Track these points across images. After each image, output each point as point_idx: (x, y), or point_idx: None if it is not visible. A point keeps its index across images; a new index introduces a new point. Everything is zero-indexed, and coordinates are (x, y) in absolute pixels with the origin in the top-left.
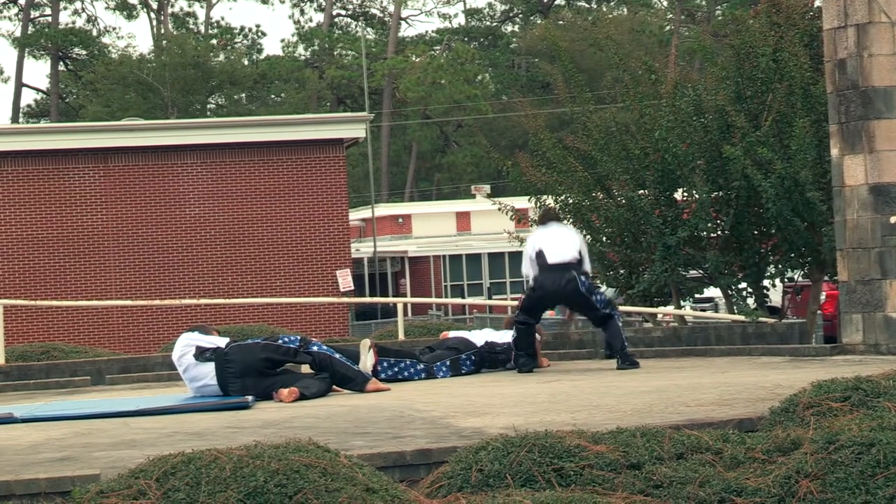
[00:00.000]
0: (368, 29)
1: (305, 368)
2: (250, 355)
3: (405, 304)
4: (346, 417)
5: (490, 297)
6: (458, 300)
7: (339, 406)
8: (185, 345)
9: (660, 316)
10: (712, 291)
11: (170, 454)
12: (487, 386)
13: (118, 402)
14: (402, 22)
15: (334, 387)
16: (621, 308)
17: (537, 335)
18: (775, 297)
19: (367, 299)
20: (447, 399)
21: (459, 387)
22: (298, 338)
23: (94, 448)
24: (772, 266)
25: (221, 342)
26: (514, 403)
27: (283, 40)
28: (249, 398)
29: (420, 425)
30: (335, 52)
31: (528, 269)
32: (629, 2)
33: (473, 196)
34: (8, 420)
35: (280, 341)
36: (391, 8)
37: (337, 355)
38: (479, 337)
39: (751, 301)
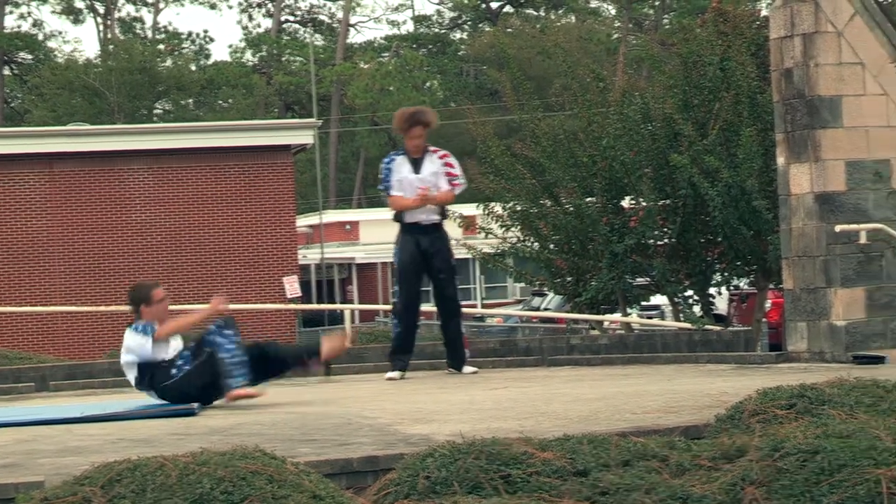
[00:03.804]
0: (317, 35)
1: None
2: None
3: (352, 311)
4: (292, 424)
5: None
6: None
7: (285, 413)
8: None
9: (606, 323)
10: (659, 299)
11: (115, 461)
12: (434, 393)
13: (63, 408)
14: (351, 28)
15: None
16: (569, 315)
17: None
18: (721, 304)
19: (315, 306)
20: (394, 406)
21: (406, 394)
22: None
23: (38, 455)
24: (718, 274)
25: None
26: (462, 410)
27: (230, 46)
28: (195, 405)
29: (367, 432)
30: (283, 58)
31: None
32: (577, 10)
33: None
34: None
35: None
36: (340, 14)
37: (226, 355)
38: None
39: (697, 309)
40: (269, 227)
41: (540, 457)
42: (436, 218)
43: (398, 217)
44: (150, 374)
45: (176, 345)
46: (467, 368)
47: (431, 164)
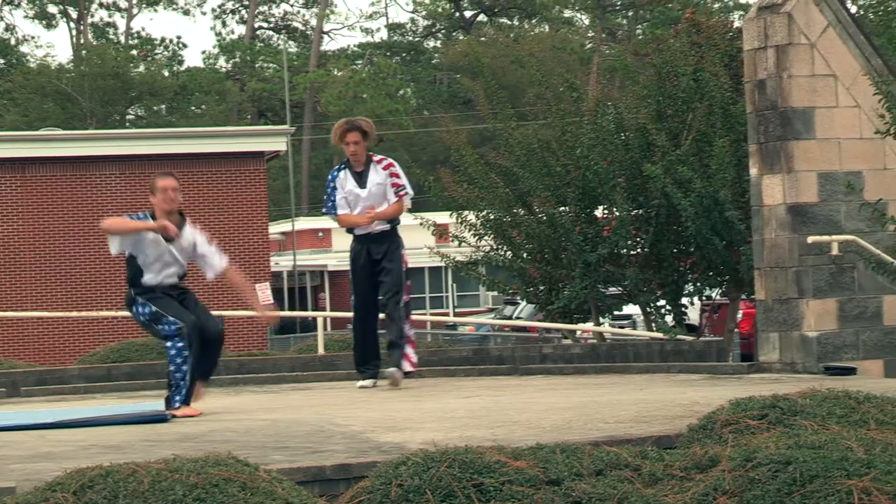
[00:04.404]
0: (290, 42)
1: None
2: None
3: (325, 319)
4: (265, 432)
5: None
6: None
7: (258, 420)
8: None
9: (579, 332)
10: (631, 309)
11: (87, 467)
12: (407, 401)
13: (34, 414)
14: (325, 36)
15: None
16: (541, 324)
17: None
18: (693, 314)
19: (287, 313)
20: (367, 413)
21: (379, 401)
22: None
23: (9, 461)
24: (690, 284)
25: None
26: (435, 419)
27: (204, 52)
28: (168, 412)
29: (340, 440)
30: (257, 65)
31: None
32: (551, 19)
33: None
34: None
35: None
36: (313, 21)
37: (172, 367)
38: None
39: (669, 319)
40: (242, 234)
41: (513, 465)
42: (386, 227)
43: (350, 229)
44: (129, 267)
45: (168, 272)
46: (390, 370)
47: (376, 175)
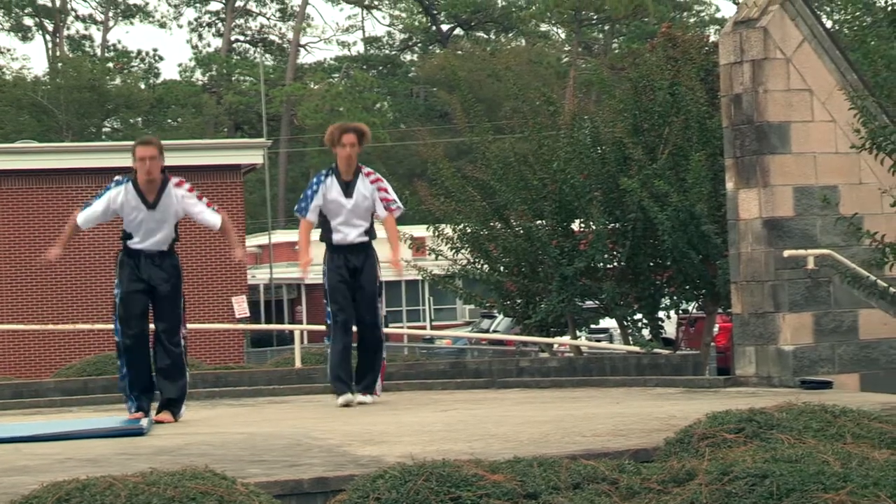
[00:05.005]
0: (267, 55)
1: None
2: None
3: (302, 332)
4: (242, 445)
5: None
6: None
7: (235, 433)
8: None
9: (556, 346)
10: (608, 322)
11: (64, 480)
12: (384, 414)
13: (10, 427)
14: (301, 49)
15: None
16: (518, 337)
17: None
18: (670, 328)
19: (263, 326)
20: (344, 427)
21: (355, 415)
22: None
23: None
24: (667, 298)
25: None
26: (412, 432)
27: (180, 65)
28: (144, 423)
29: (317, 453)
30: (233, 78)
31: None
32: (527, 33)
33: None
34: None
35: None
36: (290, 35)
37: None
38: None
39: (646, 332)
40: (219, 247)
41: (490, 479)
42: (365, 238)
43: (325, 237)
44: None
45: (154, 239)
46: (361, 397)
47: (364, 188)
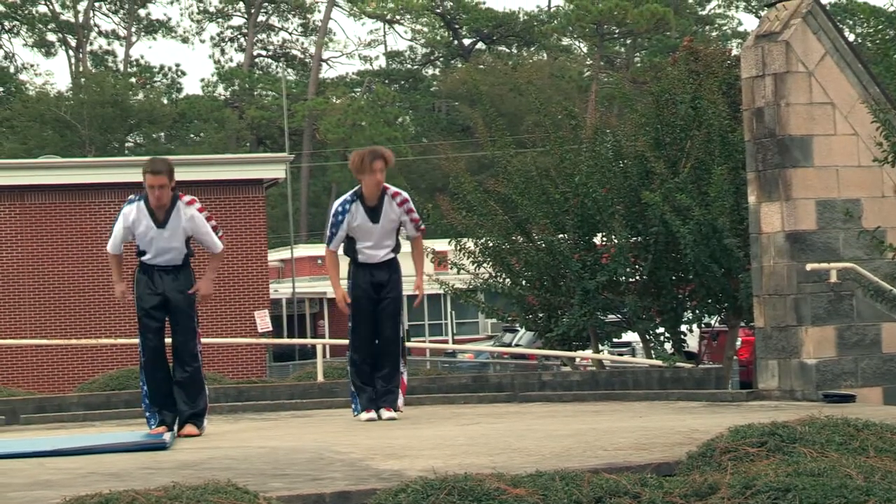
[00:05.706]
0: (289, 70)
1: None
2: None
3: (324, 346)
4: (264, 459)
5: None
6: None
7: (257, 447)
8: None
9: (578, 360)
10: (630, 336)
11: (86, 495)
12: (405, 428)
13: (33, 441)
14: (323, 63)
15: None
16: (540, 351)
17: None
18: (692, 342)
19: (286, 340)
20: (366, 441)
21: (377, 429)
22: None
23: (8, 489)
24: (689, 311)
25: None
26: (433, 446)
27: (203, 80)
28: (167, 437)
29: (339, 467)
30: (255, 93)
31: None
32: (549, 47)
33: None
34: None
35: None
36: (312, 49)
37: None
38: None
39: (668, 346)
40: (241, 261)
41: (512, 493)
42: (391, 255)
43: (351, 255)
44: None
45: (166, 257)
46: (385, 412)
47: (391, 211)
